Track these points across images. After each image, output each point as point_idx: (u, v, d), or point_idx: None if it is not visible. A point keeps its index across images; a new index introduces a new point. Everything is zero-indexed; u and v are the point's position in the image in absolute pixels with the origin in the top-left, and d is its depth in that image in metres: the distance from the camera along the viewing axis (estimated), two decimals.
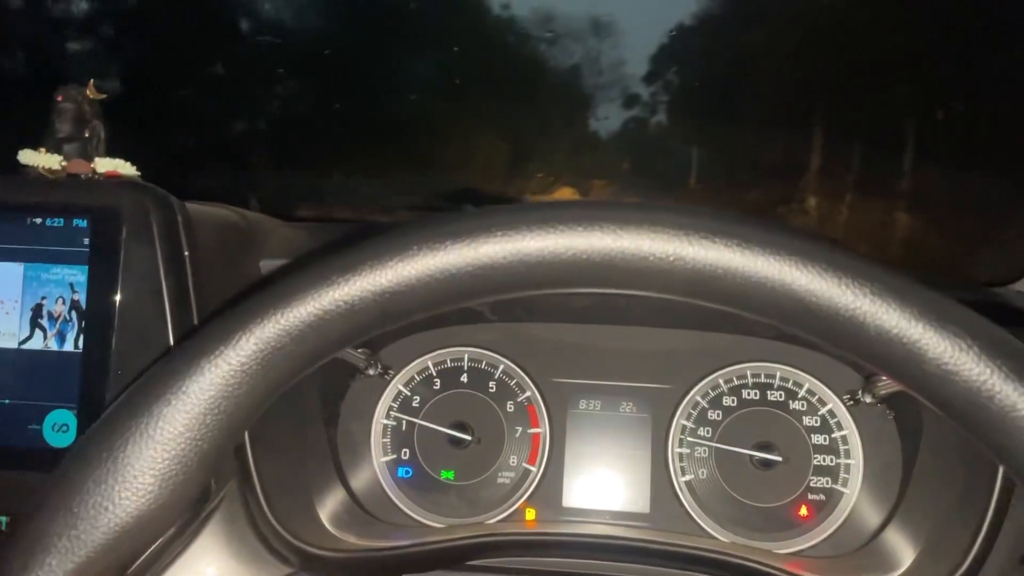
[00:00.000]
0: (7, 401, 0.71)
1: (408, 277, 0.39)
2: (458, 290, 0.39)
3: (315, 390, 0.85)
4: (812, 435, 0.85)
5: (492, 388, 0.90)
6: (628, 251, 0.36)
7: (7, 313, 0.70)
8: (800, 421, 0.85)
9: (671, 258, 0.36)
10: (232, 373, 0.37)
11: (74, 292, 0.70)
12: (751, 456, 0.85)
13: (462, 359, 0.91)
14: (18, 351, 0.70)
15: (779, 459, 0.84)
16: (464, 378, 0.90)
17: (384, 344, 0.90)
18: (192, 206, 0.77)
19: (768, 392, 0.87)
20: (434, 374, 0.91)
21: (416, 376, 0.91)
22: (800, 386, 0.86)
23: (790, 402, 0.86)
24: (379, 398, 0.90)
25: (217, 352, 0.37)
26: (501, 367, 0.90)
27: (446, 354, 0.91)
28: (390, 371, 0.90)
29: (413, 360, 0.91)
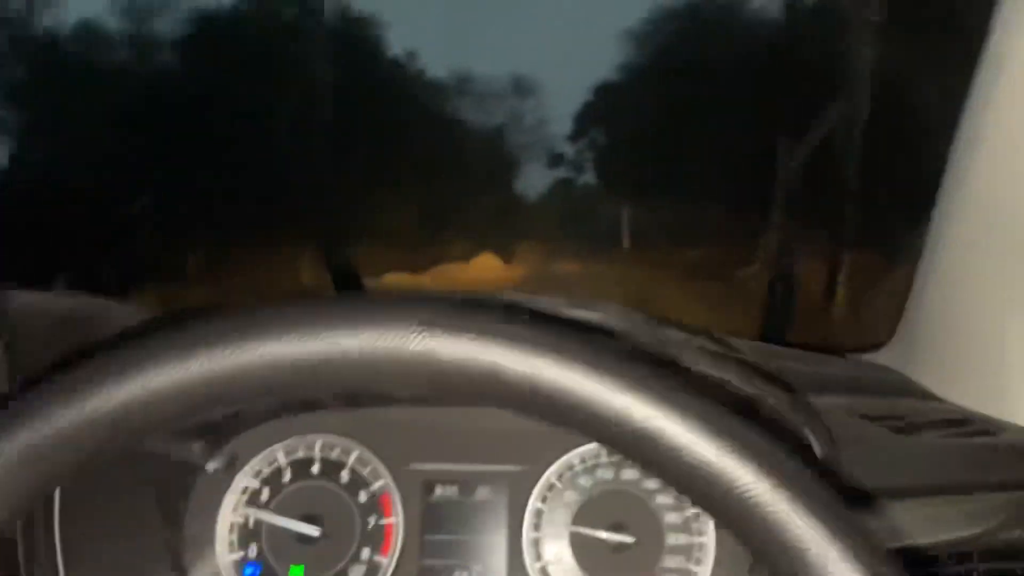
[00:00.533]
0: None
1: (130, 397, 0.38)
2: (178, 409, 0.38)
3: (149, 489, 0.81)
4: (665, 513, 0.84)
5: (345, 477, 0.87)
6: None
7: None
8: (653, 499, 0.85)
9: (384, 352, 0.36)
10: None
11: None
12: (605, 538, 0.83)
13: (314, 448, 0.88)
14: None
15: (632, 540, 0.83)
16: (315, 468, 0.87)
17: (229, 435, 0.87)
18: (19, 294, 0.74)
19: (622, 471, 0.86)
20: (284, 465, 0.88)
21: (265, 467, 0.87)
22: None
23: (643, 480, 0.85)
24: (225, 493, 0.86)
25: None
26: (354, 455, 0.88)
27: (297, 443, 0.88)
28: (236, 464, 0.86)
29: (262, 451, 0.88)
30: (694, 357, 0.73)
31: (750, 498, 0.38)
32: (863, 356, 1.05)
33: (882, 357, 1.04)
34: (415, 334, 0.37)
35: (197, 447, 0.82)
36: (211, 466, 0.84)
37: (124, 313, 0.90)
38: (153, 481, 0.81)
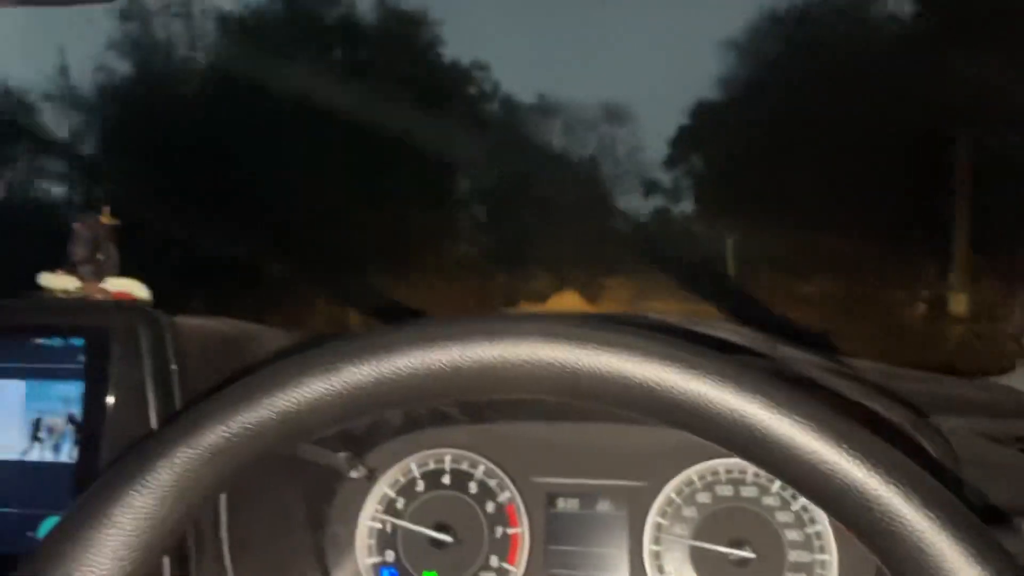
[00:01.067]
0: (7, 510, 0.76)
1: (309, 397, 0.44)
2: (358, 406, 0.44)
3: (299, 494, 0.88)
4: (786, 531, 0.86)
5: (473, 489, 0.93)
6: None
7: (9, 427, 0.76)
8: (774, 517, 0.86)
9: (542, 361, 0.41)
10: (149, 496, 0.42)
11: (70, 407, 0.75)
12: (727, 554, 0.85)
13: (444, 460, 0.94)
14: (18, 463, 0.76)
15: (753, 556, 0.84)
16: (446, 479, 0.93)
17: (369, 447, 0.94)
18: (183, 320, 0.83)
19: (741, 488, 0.88)
20: (417, 476, 0.94)
21: (400, 478, 0.94)
22: (773, 481, 0.87)
23: (763, 498, 0.87)
24: (364, 500, 0.93)
25: (136, 478, 0.42)
26: (481, 468, 0.93)
27: (428, 456, 0.94)
28: (375, 474, 0.93)
29: (397, 462, 0.94)
30: (819, 375, 0.75)
31: (896, 518, 0.40)
32: (991, 379, 1.03)
33: (1011, 379, 1.02)
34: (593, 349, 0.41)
35: (342, 456, 0.89)
36: (354, 474, 0.91)
37: (273, 336, 0.99)
38: (303, 486, 0.88)
